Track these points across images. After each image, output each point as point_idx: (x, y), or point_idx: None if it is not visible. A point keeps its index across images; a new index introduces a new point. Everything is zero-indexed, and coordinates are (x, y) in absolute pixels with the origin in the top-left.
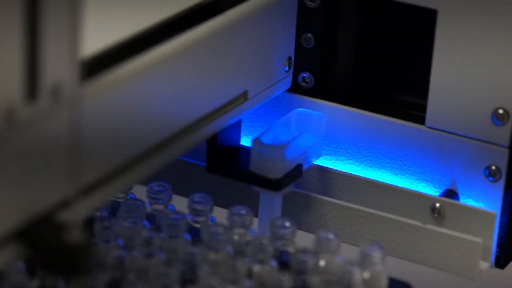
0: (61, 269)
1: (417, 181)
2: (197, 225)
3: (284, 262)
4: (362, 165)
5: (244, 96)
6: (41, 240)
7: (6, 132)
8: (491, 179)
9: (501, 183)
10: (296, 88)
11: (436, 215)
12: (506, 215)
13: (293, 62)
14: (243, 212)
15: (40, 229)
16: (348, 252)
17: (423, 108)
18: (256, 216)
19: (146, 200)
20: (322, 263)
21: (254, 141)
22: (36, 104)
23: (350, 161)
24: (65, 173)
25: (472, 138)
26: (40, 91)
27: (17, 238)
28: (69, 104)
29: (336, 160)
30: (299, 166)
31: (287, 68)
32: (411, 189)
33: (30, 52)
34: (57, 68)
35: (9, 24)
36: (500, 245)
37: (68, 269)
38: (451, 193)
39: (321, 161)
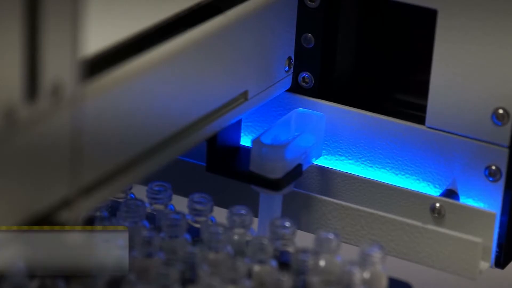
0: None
1: (417, 181)
2: (197, 225)
3: (284, 262)
4: (362, 165)
5: (244, 96)
6: None
7: (6, 132)
8: (491, 179)
9: (501, 183)
10: (296, 88)
11: (436, 215)
12: (506, 215)
13: (293, 62)
14: (243, 212)
15: None
16: (348, 252)
17: (423, 108)
18: (256, 216)
19: (146, 200)
20: (322, 263)
21: (254, 141)
22: (36, 104)
23: (350, 161)
24: (65, 172)
25: (472, 138)
26: (40, 91)
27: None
28: (69, 103)
29: (336, 160)
30: (299, 166)
31: (287, 68)
32: (411, 189)
33: (30, 52)
34: (57, 67)
35: (9, 23)
36: (500, 245)
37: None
38: (451, 193)
39: (321, 161)
